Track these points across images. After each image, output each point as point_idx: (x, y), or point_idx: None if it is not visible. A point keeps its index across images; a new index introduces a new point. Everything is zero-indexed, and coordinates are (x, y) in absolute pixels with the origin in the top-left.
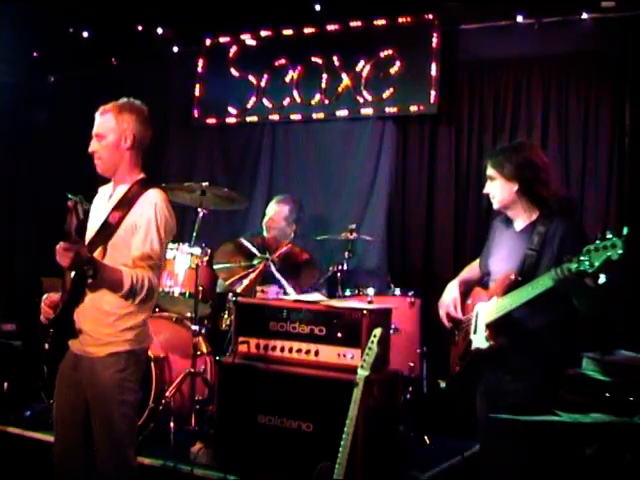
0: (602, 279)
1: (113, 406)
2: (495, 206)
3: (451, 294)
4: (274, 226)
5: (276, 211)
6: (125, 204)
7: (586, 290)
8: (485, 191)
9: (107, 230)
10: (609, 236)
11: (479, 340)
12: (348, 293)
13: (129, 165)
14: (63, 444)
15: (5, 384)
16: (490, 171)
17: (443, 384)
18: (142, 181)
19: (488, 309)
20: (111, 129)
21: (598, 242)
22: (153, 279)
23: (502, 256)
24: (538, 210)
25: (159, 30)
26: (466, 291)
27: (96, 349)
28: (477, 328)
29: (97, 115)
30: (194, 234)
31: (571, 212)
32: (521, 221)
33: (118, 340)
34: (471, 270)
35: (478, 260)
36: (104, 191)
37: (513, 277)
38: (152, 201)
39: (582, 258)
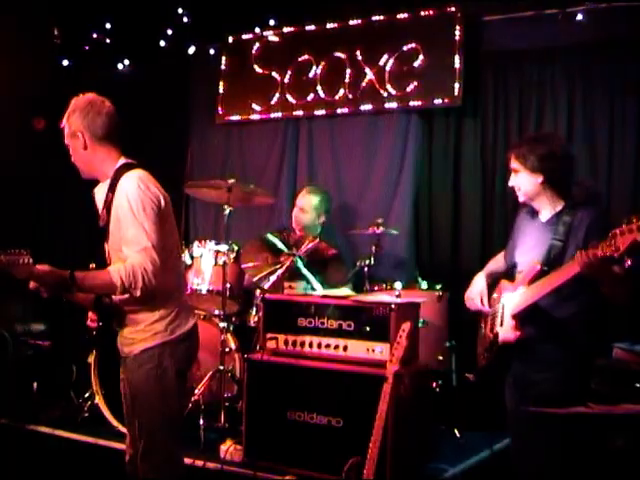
0: (629, 263)
1: (152, 405)
2: (521, 199)
3: (478, 287)
4: (304, 216)
5: (307, 200)
6: (108, 201)
7: (613, 277)
8: (510, 184)
9: (102, 233)
10: (634, 219)
11: (506, 332)
12: (376, 287)
13: (100, 161)
14: (130, 444)
15: (35, 384)
16: (514, 164)
17: (471, 377)
18: (119, 169)
19: (514, 300)
20: (69, 137)
21: (624, 226)
22: (145, 263)
23: (528, 247)
24: (563, 201)
25: (182, 28)
26: (492, 283)
27: (130, 348)
28: (504, 320)
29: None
30: (221, 231)
31: (595, 201)
32: (547, 212)
33: (147, 335)
34: (496, 262)
35: (503, 252)
36: (98, 191)
37: (539, 267)
38: (124, 190)
39: (607, 243)
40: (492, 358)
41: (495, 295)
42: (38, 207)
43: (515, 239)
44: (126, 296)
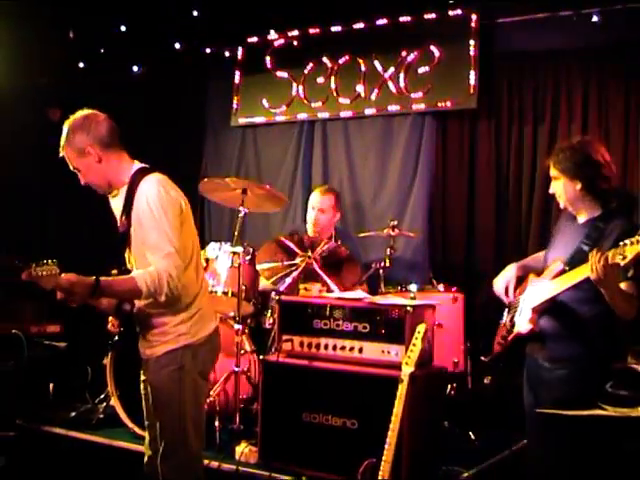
0: (631, 273)
1: (174, 406)
2: (561, 205)
3: (507, 275)
4: (324, 216)
5: (324, 200)
6: (128, 207)
7: (619, 291)
8: (550, 191)
9: (123, 239)
10: None
11: (522, 323)
12: (391, 289)
13: (115, 169)
14: (149, 445)
15: (50, 385)
16: (553, 171)
17: (485, 359)
18: (137, 173)
19: (535, 294)
20: (77, 159)
21: (636, 236)
22: (170, 269)
23: (560, 246)
24: (601, 208)
25: (197, 30)
26: (525, 276)
27: (153, 350)
28: (523, 311)
29: (62, 154)
30: (236, 233)
31: (631, 210)
32: (583, 217)
33: (170, 337)
34: (535, 258)
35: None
36: (114, 198)
37: (561, 266)
38: (144, 195)
39: (618, 251)
40: (506, 347)
41: (523, 286)
42: (42, 210)
43: (553, 238)
44: (150, 301)
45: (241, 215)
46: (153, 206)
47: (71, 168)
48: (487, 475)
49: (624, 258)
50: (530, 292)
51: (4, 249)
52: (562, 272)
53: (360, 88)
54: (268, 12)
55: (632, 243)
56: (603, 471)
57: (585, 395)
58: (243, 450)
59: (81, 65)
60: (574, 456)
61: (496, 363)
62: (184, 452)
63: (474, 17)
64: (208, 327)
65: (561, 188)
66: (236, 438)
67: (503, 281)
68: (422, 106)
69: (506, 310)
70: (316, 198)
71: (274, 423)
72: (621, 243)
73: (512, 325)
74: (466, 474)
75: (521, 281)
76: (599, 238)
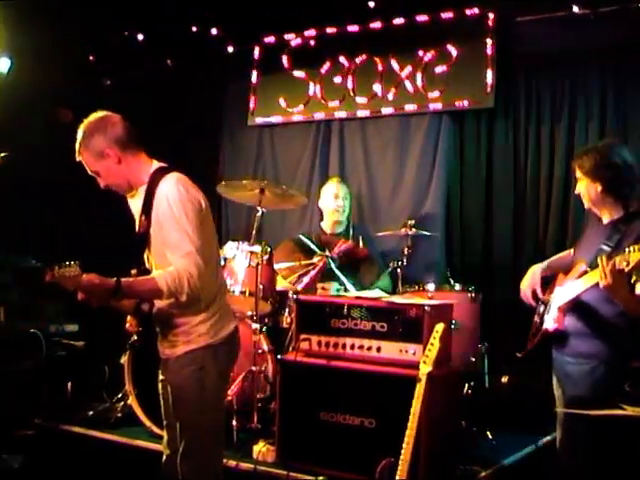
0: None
1: (194, 406)
2: (585, 206)
3: (532, 278)
4: (347, 203)
5: (343, 189)
6: (147, 207)
7: (630, 296)
8: (576, 191)
9: (143, 239)
10: None
11: (548, 321)
12: (408, 289)
13: (135, 169)
14: (168, 445)
15: (68, 384)
16: (577, 173)
17: (504, 379)
18: (156, 172)
19: (562, 293)
20: (96, 162)
21: None
22: (190, 268)
23: (585, 247)
24: (622, 209)
25: (214, 30)
26: (553, 275)
27: (173, 350)
28: (551, 310)
29: (79, 159)
30: (253, 232)
31: None
32: (606, 218)
33: (191, 337)
34: (561, 257)
35: (572, 248)
36: (133, 198)
37: (584, 267)
38: (164, 194)
39: (625, 257)
40: (536, 344)
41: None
42: (42, 210)
43: (581, 238)
44: (171, 300)
45: (259, 214)
46: (173, 205)
47: (89, 172)
48: (504, 474)
49: (628, 264)
50: (558, 292)
51: (3, 249)
52: (584, 273)
53: (377, 87)
54: (285, 12)
55: (635, 250)
56: (622, 470)
57: (606, 393)
58: (261, 449)
59: (94, 64)
60: (597, 455)
61: (529, 359)
62: (204, 452)
63: (491, 16)
64: (228, 327)
65: (584, 189)
66: (254, 437)
67: (529, 285)
68: (439, 105)
69: (539, 308)
70: (336, 186)
71: (292, 422)
72: (627, 249)
73: (541, 323)
74: (483, 473)
75: (549, 280)
76: (620, 240)
